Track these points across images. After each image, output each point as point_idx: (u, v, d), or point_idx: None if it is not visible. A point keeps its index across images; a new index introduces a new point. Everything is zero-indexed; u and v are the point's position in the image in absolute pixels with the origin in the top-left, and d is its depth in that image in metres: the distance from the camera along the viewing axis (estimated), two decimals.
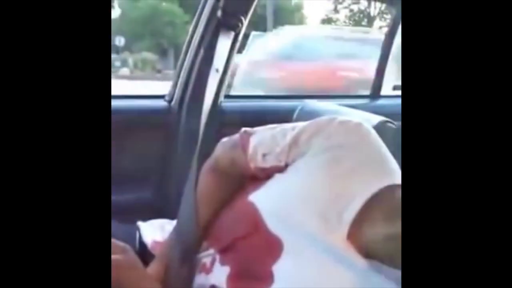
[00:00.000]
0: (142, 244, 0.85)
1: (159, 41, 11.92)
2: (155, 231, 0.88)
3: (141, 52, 11.05)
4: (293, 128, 0.67)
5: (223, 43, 1.11)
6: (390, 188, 0.57)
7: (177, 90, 1.41)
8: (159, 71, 10.10)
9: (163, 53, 11.38)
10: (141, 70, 10.28)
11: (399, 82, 2.05)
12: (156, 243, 0.84)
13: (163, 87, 1.56)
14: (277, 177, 0.65)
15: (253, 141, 0.70)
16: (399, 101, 1.91)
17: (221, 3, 1.17)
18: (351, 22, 15.45)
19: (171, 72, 8.08)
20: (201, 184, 0.75)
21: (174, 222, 0.81)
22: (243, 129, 0.74)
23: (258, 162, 0.68)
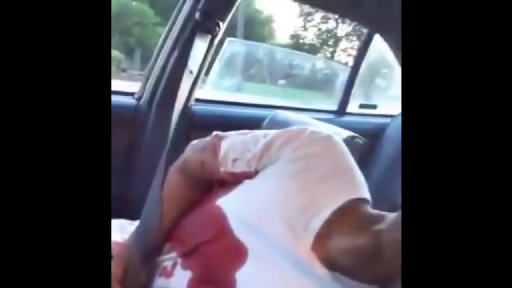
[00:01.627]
0: None
1: (127, 40, 11.65)
2: (114, 232, 0.85)
3: None
4: (265, 136, 0.67)
5: (199, 46, 1.10)
6: (356, 201, 0.58)
7: (147, 89, 1.38)
8: (124, 70, 9.85)
9: (129, 52, 11.11)
10: None
11: (366, 101, 2.10)
12: (115, 243, 0.81)
13: (128, 87, 1.52)
14: (247, 183, 0.65)
15: (224, 145, 0.69)
16: (363, 119, 1.97)
17: (200, 5, 1.16)
18: (318, 40, 15.78)
19: (136, 73, 7.92)
20: (168, 185, 0.73)
21: (135, 223, 0.79)
22: (215, 132, 0.74)
23: (228, 166, 0.67)
